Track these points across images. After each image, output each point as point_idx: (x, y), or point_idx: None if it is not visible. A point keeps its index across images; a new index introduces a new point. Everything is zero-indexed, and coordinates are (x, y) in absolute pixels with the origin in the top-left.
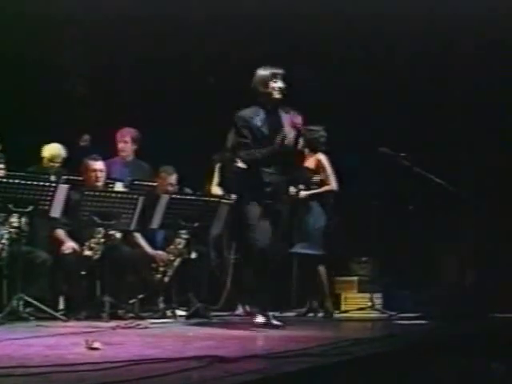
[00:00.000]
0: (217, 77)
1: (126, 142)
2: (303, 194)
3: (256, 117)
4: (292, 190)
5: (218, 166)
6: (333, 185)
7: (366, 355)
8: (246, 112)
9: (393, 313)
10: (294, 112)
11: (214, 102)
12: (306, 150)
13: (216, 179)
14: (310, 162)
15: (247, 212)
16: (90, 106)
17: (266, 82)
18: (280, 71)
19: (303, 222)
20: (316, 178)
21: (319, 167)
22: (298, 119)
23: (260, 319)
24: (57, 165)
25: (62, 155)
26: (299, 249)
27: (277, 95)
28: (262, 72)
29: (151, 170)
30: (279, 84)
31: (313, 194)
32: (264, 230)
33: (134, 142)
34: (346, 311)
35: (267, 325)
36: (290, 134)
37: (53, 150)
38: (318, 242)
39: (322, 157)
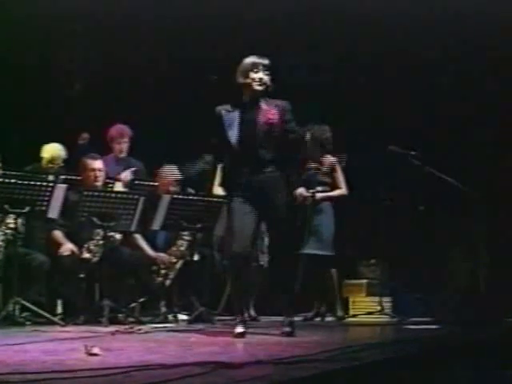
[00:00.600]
0: (219, 75)
1: (126, 142)
2: (315, 195)
3: (228, 113)
4: (303, 190)
5: (220, 165)
6: (344, 189)
7: (375, 361)
8: (221, 108)
9: (403, 317)
10: (283, 104)
11: (215, 101)
12: (318, 150)
13: (218, 179)
14: (319, 164)
15: (228, 213)
16: (89, 104)
17: (246, 72)
18: (263, 61)
19: (315, 222)
20: (325, 179)
21: (332, 169)
22: (273, 113)
23: (239, 329)
24: (56, 166)
25: (62, 156)
26: (310, 249)
27: (256, 86)
28: (245, 61)
29: (144, 168)
30: (260, 75)
31: (326, 197)
32: (244, 232)
33: (130, 140)
34: (354, 315)
35: (244, 334)
36: (260, 132)
37: (53, 152)
38: (329, 243)
39: (333, 159)
